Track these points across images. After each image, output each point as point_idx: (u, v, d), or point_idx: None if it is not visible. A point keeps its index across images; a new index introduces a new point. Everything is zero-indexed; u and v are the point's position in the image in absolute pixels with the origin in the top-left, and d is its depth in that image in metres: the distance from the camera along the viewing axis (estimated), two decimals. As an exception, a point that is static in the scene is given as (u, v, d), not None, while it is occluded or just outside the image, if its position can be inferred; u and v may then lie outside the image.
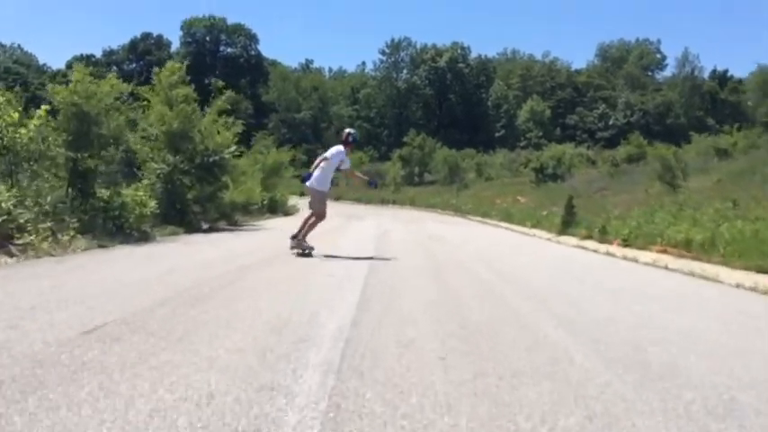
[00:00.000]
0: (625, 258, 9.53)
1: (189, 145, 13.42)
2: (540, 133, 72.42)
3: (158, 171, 12.95)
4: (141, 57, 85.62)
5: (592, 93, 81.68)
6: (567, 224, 14.70)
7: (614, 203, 18.70)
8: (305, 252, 8.09)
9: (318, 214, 8.53)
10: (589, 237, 12.89)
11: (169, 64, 14.07)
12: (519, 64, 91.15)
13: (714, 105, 79.55)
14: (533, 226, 17.57)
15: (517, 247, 11.92)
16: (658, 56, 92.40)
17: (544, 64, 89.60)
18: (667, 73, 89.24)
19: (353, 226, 17.71)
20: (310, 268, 6.56)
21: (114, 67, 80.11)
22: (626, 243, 10.98)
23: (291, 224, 18.56)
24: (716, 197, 14.66)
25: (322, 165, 8.58)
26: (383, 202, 38.17)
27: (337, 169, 8.85)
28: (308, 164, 40.69)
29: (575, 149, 48.89)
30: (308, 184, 8.67)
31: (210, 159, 13.64)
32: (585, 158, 46.52)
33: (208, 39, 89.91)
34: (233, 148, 14.14)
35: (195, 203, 14.27)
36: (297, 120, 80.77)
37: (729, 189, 16.08)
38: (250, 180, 18.98)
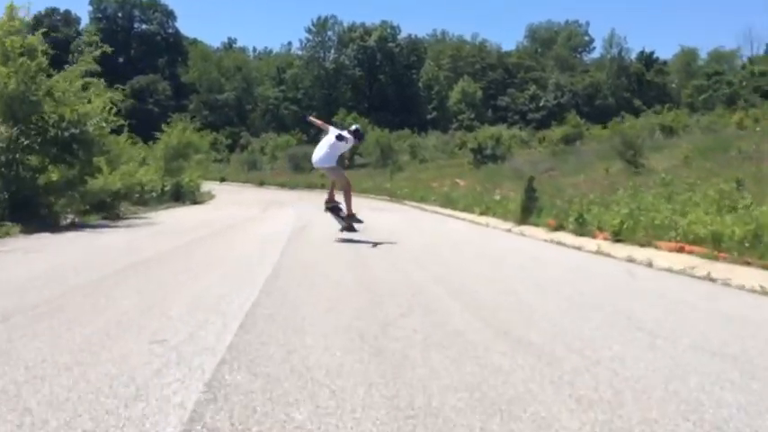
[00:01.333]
0: (631, 261, 6.85)
1: (34, 113, 9.92)
2: (473, 115, 70.75)
3: (-16, 148, 9.43)
4: (46, 34, 78.16)
5: (522, 74, 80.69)
6: (528, 212, 12.04)
7: (571, 185, 16.28)
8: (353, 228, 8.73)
9: (344, 186, 8.96)
10: (560, 227, 10.24)
11: (8, 3, 10.40)
12: (449, 45, 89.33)
13: (641, 87, 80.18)
14: (483, 213, 14.86)
15: (479, 247, 9.05)
16: (586, 38, 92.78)
17: (474, 45, 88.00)
18: (595, 55, 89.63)
19: (268, 217, 14.54)
20: (131, 320, 3.39)
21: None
22: (617, 237, 8.35)
23: (193, 216, 15.40)
24: (693, 176, 12.29)
25: (327, 147, 8.86)
26: (310, 187, 34.87)
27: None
28: (232, 147, 37.74)
29: (508, 130, 47.04)
30: (319, 166, 9.14)
31: (67, 133, 10.17)
32: (519, 140, 44.69)
33: (120, 15, 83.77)
34: (96, 119, 10.64)
35: (52, 192, 10.79)
36: (219, 101, 76.40)
37: (707, 168, 13.85)
38: (133, 162, 15.36)
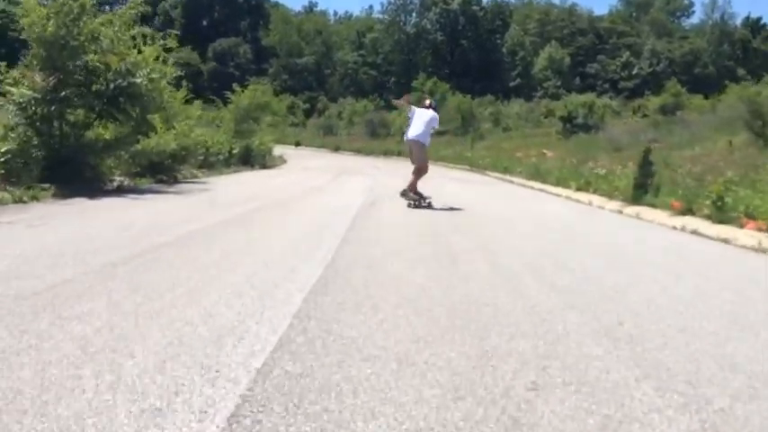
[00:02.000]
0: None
1: (76, 61, 8.74)
2: (559, 82, 67.05)
3: (20, 100, 8.32)
4: (131, -4, 79.50)
5: (615, 39, 75.75)
6: (643, 190, 10.04)
7: (686, 159, 14.03)
8: (418, 204, 8.82)
9: (421, 166, 9.11)
10: (688, 211, 8.28)
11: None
12: (536, 9, 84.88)
13: (746, 55, 73.78)
14: (580, 189, 12.91)
15: (597, 239, 7.11)
16: (686, 1, 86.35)
17: (563, 8, 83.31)
18: (695, 20, 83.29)
19: (337, 187, 13.10)
20: (65, 376, 2.00)
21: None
22: (779, 229, 6.37)
23: (256, 182, 14.15)
24: None
25: (423, 125, 8.96)
26: (386, 153, 33.36)
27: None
28: (309, 112, 37.36)
29: (599, 99, 43.73)
30: (412, 137, 9.07)
31: (113, 85, 8.96)
32: (610, 109, 41.45)
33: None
34: (146, 70, 9.32)
35: (98, 151, 9.66)
36: (299, 66, 75.68)
37: None
38: (189, 120, 14.08)
